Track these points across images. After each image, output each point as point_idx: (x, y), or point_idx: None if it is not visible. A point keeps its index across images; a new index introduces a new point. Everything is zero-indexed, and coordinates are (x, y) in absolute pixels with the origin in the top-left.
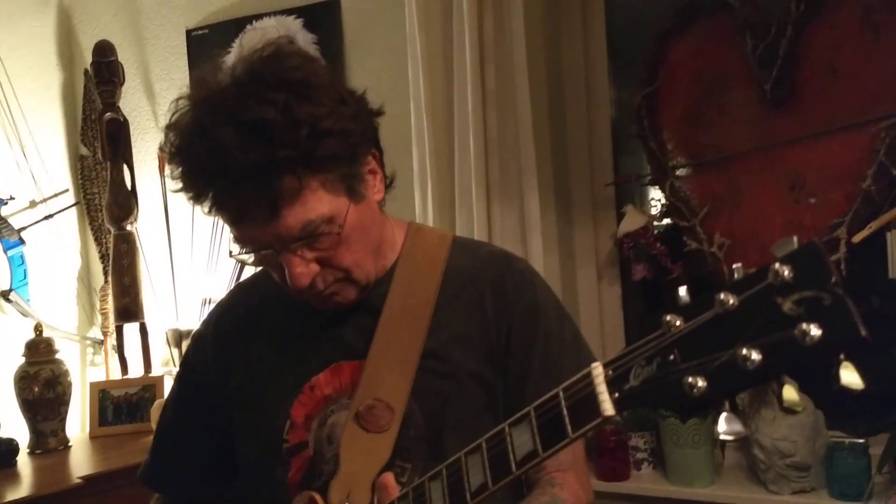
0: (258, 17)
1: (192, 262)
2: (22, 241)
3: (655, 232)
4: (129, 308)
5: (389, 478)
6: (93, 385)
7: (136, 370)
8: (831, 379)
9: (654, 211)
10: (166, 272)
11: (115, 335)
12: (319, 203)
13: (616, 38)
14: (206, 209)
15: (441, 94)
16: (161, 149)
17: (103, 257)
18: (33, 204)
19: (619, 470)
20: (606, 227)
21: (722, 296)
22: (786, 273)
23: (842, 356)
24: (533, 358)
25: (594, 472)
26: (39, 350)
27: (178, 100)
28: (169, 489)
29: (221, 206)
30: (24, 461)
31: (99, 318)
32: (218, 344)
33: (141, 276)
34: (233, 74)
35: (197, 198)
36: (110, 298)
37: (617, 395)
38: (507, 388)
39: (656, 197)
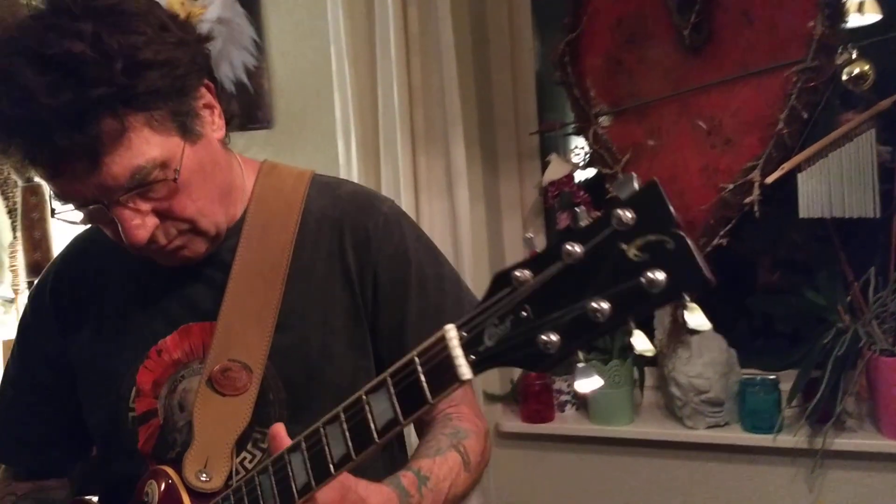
0: None
1: None
2: None
3: (580, 180)
4: (40, 263)
5: (280, 427)
6: (6, 343)
7: None
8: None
9: (577, 159)
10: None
11: (26, 292)
12: (147, 146)
13: None
14: (18, 164)
15: (363, 39)
16: None
17: (11, 212)
18: None
19: (544, 412)
20: (531, 176)
21: (568, 246)
22: (628, 216)
23: (687, 299)
24: (408, 304)
25: (519, 416)
26: None
27: None
28: (15, 460)
29: (34, 161)
30: None
31: (9, 275)
32: (57, 303)
33: (51, 230)
34: (30, 8)
35: (3, 153)
36: (20, 254)
37: (473, 357)
38: (382, 340)
39: (579, 146)
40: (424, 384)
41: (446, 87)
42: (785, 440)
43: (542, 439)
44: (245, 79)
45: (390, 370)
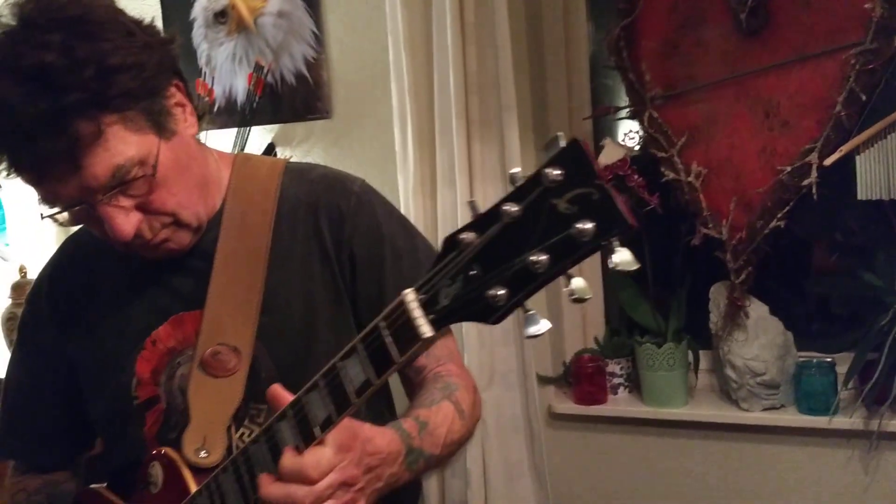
0: None
1: None
2: None
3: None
4: None
5: (278, 387)
6: None
7: None
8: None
9: (631, 143)
10: None
11: None
12: (124, 145)
13: None
14: (5, 174)
15: (419, 28)
16: None
17: None
18: None
19: (597, 394)
20: None
21: (506, 206)
22: (556, 174)
23: (615, 242)
24: (385, 277)
25: (572, 398)
26: (25, 291)
27: None
28: (24, 456)
29: (20, 168)
30: None
31: None
32: (53, 305)
33: None
34: (1, 25)
35: None
36: None
37: (432, 316)
38: (364, 313)
39: (631, 130)
40: (391, 345)
41: (501, 75)
42: (841, 422)
43: (595, 421)
44: (305, 70)
45: (359, 337)
